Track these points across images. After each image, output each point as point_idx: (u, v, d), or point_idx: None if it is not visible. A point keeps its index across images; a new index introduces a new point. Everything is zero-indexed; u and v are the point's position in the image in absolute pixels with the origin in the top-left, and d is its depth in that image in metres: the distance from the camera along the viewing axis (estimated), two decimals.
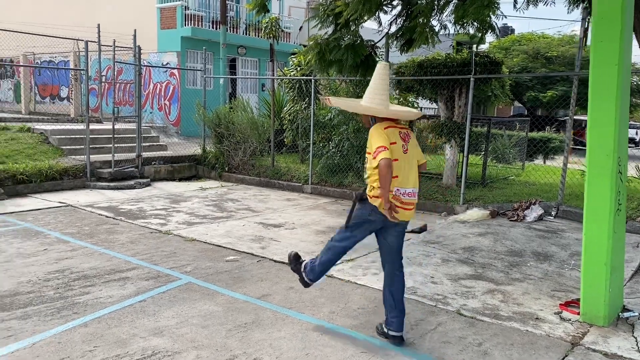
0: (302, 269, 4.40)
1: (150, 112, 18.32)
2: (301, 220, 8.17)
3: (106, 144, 11.82)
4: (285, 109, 12.61)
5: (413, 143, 3.99)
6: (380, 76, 3.99)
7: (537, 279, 5.62)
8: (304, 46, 22.18)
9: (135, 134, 12.16)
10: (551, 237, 7.44)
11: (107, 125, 13.97)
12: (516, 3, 8.00)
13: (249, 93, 20.17)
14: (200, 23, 17.76)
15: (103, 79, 17.42)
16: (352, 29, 7.54)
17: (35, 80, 23.05)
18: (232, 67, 19.72)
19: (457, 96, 9.96)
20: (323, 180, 10.74)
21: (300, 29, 22.08)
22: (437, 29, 7.36)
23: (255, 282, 5.31)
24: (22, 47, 19.84)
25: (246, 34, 19.40)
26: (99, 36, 15.58)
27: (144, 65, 12.85)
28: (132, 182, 10.66)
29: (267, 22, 11.42)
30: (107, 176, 10.64)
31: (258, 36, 19.83)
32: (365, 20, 7.59)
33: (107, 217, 7.99)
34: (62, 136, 11.76)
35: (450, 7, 7.32)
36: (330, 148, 10.70)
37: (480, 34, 7.54)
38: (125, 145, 11.99)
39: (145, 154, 11.80)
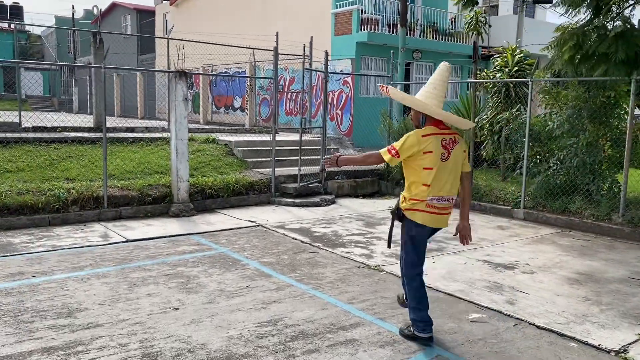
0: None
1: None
2: (535, 260, 6.46)
3: (287, 157, 11.15)
4: (483, 117, 10.88)
5: (459, 150, 3.92)
6: (442, 76, 3.89)
7: None
8: (483, 47, 20.17)
9: (315, 146, 11.36)
10: None
11: (285, 136, 13.43)
12: None
13: None
14: (376, 27, 16.73)
15: (280, 89, 17.17)
16: (619, 13, 5.69)
17: (211, 91, 23.97)
18: (406, 72, 18.42)
19: None
20: (539, 205, 8.85)
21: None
22: None
23: None
24: (202, 59, 20.59)
25: (422, 37, 17.97)
26: (277, 45, 15.21)
27: (332, 73, 12.01)
28: (317, 199, 9.76)
29: (470, 17, 9.85)
30: (291, 192, 9.87)
31: (435, 38, 18.30)
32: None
33: (302, 242, 7.03)
34: (246, 148, 11.33)
35: None
36: (551, 165, 8.79)
37: None
38: (306, 157, 11.18)
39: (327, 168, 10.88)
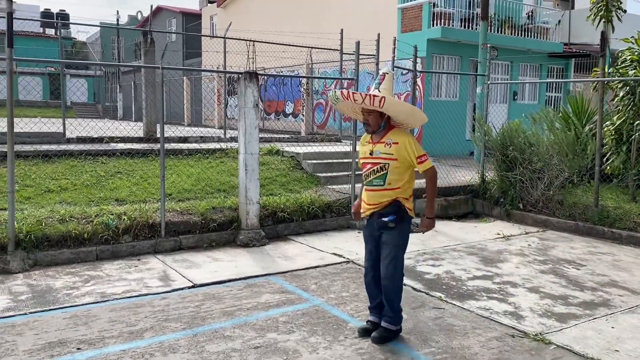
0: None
1: None
2: None
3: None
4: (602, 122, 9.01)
5: None
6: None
7: None
8: (565, 44, 18.14)
9: None
10: None
11: (351, 146, 11.88)
12: None
13: (498, 103, 16.83)
14: (449, 22, 15.00)
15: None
16: None
17: (261, 97, 22.66)
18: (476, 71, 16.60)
19: None
20: None
21: (558, 23, 18.13)
22: None
23: None
24: (252, 62, 19.26)
25: (500, 32, 16.13)
26: (342, 42, 13.71)
27: (421, 72, 10.38)
28: None
29: (596, 2, 8.05)
30: None
31: (513, 34, 16.42)
32: None
33: (415, 290, 5.43)
34: (316, 160, 9.80)
35: None
36: None
37: None
38: None
39: None
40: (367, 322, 4.39)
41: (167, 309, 4.77)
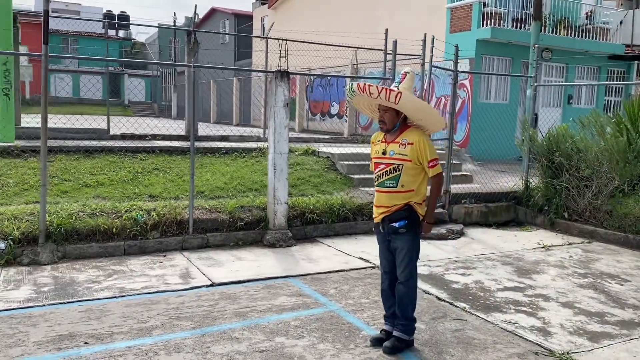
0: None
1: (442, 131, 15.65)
2: None
3: None
4: None
5: None
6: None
7: None
8: (627, 46, 17.17)
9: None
10: None
11: None
12: None
13: (551, 107, 16.11)
14: (499, 22, 14.46)
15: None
16: None
17: (307, 97, 22.68)
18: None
19: None
20: None
21: (620, 23, 17.16)
22: None
23: None
24: (300, 62, 19.30)
25: (555, 33, 15.42)
26: (386, 41, 13.45)
27: (464, 72, 10.05)
28: (442, 230, 7.84)
29: None
30: None
31: (569, 35, 15.67)
32: None
33: (439, 299, 5.17)
34: (350, 162, 9.62)
35: None
36: None
37: None
38: None
39: (451, 188, 8.91)
40: (380, 331, 4.21)
41: (181, 307, 4.74)
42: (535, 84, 9.58)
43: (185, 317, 4.50)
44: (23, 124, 11.24)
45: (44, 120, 6.12)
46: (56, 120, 10.67)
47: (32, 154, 8.50)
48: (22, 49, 29.76)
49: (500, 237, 7.96)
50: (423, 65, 10.34)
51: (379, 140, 4.06)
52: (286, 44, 13.75)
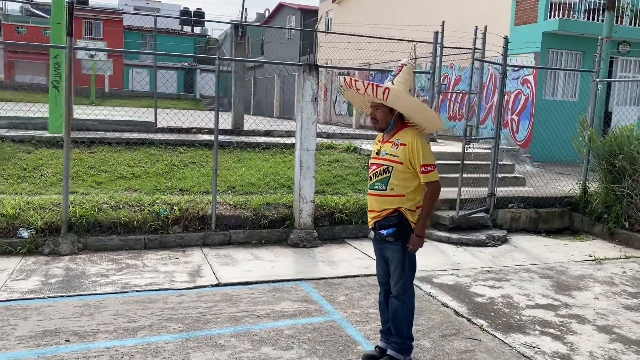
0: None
1: (492, 130, 14.79)
2: None
3: (445, 173, 8.68)
4: None
5: None
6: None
7: None
8: None
9: (483, 161, 8.78)
10: None
11: (444, 147, 11.07)
12: None
13: (627, 105, 14.75)
14: (569, 13, 13.38)
15: (442, 89, 14.73)
16: None
17: None
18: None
19: None
20: None
21: None
22: None
23: None
24: (359, 57, 18.88)
25: (634, 25, 14.08)
26: (442, 34, 12.81)
27: (512, 66, 9.33)
28: (482, 236, 7.26)
29: None
30: (446, 222, 7.50)
31: None
32: None
33: (457, 314, 4.70)
34: None
35: None
36: None
37: None
38: (469, 176, 8.55)
39: (498, 191, 8.26)
40: (375, 347, 3.83)
41: (177, 307, 4.58)
42: (598, 80, 8.68)
43: (177, 319, 4.33)
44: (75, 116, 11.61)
45: (68, 113, 6.17)
46: (106, 113, 11.00)
47: (75, 145, 8.71)
48: (101, 45, 31.31)
49: (547, 247, 7.26)
50: (473, 59, 9.71)
51: (378, 140, 3.71)
52: (316, 35, 13.40)
